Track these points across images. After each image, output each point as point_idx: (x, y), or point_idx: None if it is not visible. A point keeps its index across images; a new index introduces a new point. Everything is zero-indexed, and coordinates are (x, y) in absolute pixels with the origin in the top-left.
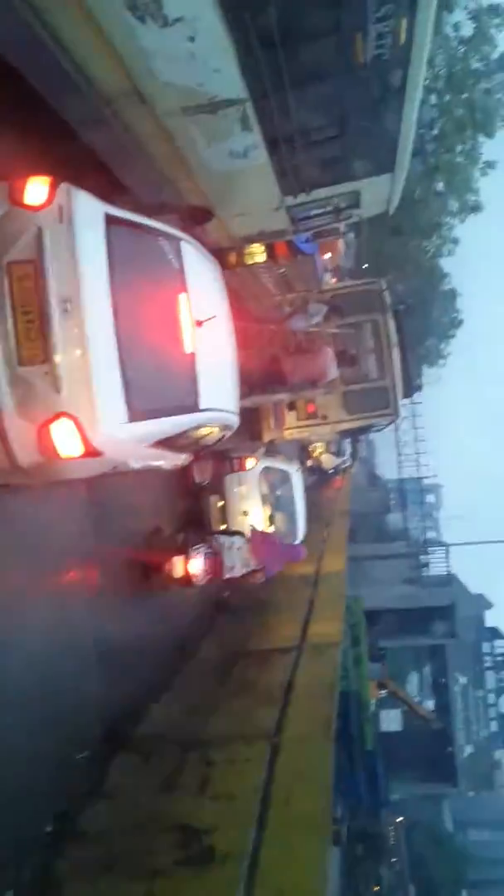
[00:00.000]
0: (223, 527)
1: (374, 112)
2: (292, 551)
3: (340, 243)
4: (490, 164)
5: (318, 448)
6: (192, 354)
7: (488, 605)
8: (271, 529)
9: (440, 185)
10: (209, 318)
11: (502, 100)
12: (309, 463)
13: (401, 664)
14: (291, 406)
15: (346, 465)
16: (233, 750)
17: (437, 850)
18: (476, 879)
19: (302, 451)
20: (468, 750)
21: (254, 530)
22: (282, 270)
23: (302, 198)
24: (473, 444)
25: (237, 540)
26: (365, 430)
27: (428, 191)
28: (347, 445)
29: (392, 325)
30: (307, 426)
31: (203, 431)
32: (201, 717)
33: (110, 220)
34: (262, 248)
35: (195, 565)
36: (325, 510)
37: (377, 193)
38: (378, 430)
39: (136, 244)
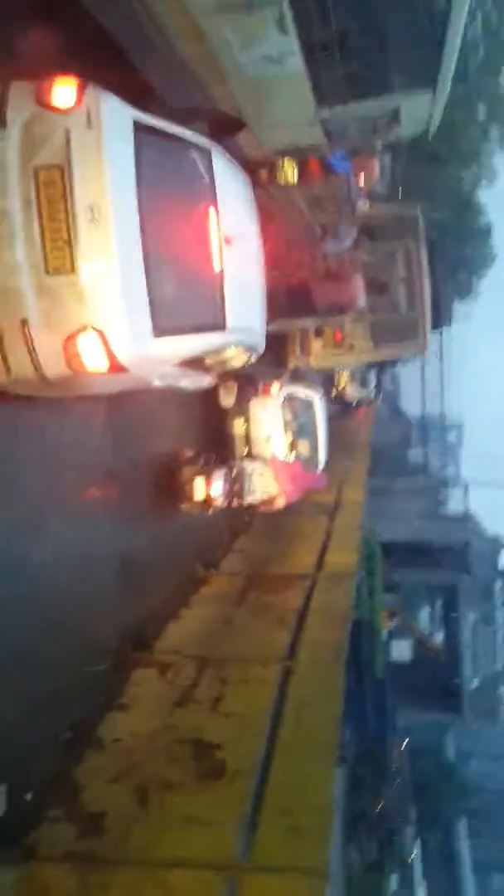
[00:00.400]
0: (245, 451)
1: (418, 19)
2: (313, 479)
3: (376, 166)
4: None
5: (344, 378)
6: (221, 272)
7: (502, 546)
8: (293, 456)
9: (482, 113)
10: (238, 234)
11: None
12: (334, 392)
13: (413, 597)
14: (318, 333)
15: (371, 396)
16: (247, 670)
17: (440, 777)
18: (475, 808)
19: (327, 380)
20: (475, 683)
21: (274, 455)
22: (314, 190)
23: (338, 111)
24: (499, 385)
25: (259, 465)
26: (392, 361)
27: (469, 117)
28: (373, 377)
29: (425, 254)
30: (333, 354)
31: (229, 353)
32: (218, 636)
33: (139, 127)
34: (295, 164)
35: (216, 487)
36: (348, 440)
37: (417, 110)
38: (406, 363)
39: (166, 153)
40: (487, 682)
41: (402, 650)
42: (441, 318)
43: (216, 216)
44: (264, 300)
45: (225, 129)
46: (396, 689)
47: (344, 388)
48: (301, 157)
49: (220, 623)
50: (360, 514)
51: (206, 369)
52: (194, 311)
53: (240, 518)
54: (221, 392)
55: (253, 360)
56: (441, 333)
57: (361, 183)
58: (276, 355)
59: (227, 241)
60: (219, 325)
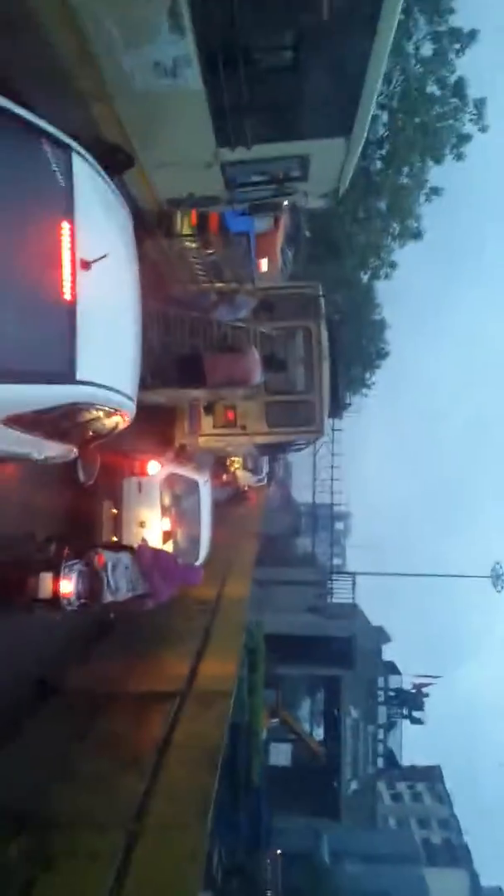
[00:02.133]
0: (114, 539)
1: (337, 49)
2: (188, 573)
3: (278, 247)
4: (436, 191)
5: (236, 463)
6: (72, 304)
7: (387, 639)
8: (169, 546)
9: (383, 206)
10: (99, 259)
11: (454, 126)
12: (224, 477)
13: (294, 691)
14: (209, 410)
15: (262, 483)
16: (77, 839)
17: (313, 883)
18: None
19: (218, 463)
20: (353, 786)
21: (143, 545)
22: (210, 253)
23: (241, 153)
24: (384, 478)
25: (125, 557)
26: (285, 447)
27: (371, 210)
28: (265, 463)
29: (326, 334)
30: (224, 435)
31: (87, 415)
32: (47, 783)
33: None
34: (192, 219)
35: (67, 585)
36: (236, 528)
37: (328, 163)
38: (298, 449)
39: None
40: (366, 785)
41: (280, 754)
42: (339, 404)
43: (70, 231)
44: (138, 355)
45: (110, 164)
46: (273, 794)
47: (235, 472)
48: (199, 207)
49: (53, 764)
50: (244, 613)
51: (56, 434)
52: (29, 352)
53: (100, 618)
54: (79, 465)
55: (122, 426)
56: (333, 424)
57: (263, 268)
58: (161, 431)
59: (84, 266)
60: (65, 375)
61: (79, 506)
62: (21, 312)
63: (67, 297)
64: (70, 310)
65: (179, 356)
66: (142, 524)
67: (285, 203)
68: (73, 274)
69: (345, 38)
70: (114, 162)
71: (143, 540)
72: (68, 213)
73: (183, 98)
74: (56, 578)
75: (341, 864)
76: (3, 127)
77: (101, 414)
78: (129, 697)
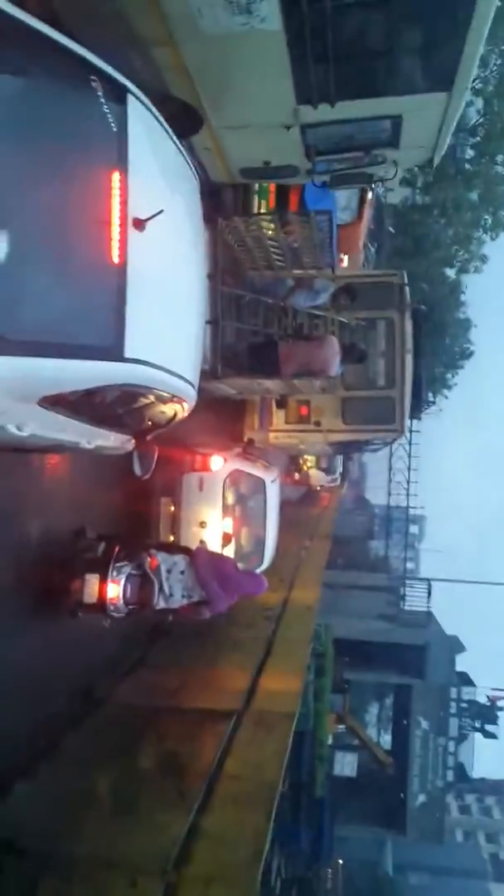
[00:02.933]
0: (171, 538)
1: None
2: (250, 582)
3: (360, 241)
4: None
5: (308, 461)
6: (122, 268)
7: (461, 649)
8: (231, 548)
9: (474, 196)
10: (155, 215)
11: None
12: (296, 476)
13: (362, 697)
14: (281, 405)
15: (335, 483)
16: (106, 887)
17: (375, 894)
18: None
19: (290, 461)
20: (421, 798)
21: (201, 548)
22: (290, 236)
23: (324, 112)
24: (462, 483)
25: (181, 560)
26: (361, 446)
27: (461, 200)
28: (339, 463)
29: (409, 326)
30: (297, 431)
31: (142, 400)
32: (79, 814)
33: None
34: (268, 193)
35: (114, 589)
36: (308, 529)
37: (424, 125)
38: (375, 450)
39: (42, 73)
40: (434, 798)
41: (346, 765)
42: (421, 402)
43: (121, 184)
44: (202, 337)
45: (176, 121)
46: (337, 803)
47: (308, 472)
48: (276, 179)
49: (87, 792)
50: (312, 623)
51: (107, 421)
52: (71, 323)
53: (154, 626)
54: (135, 457)
55: (181, 415)
56: (412, 424)
57: (344, 263)
58: (230, 425)
59: (138, 224)
60: (110, 351)
61: (134, 502)
62: (60, 275)
63: (116, 259)
64: (119, 274)
65: (253, 344)
66: (202, 524)
67: (372, 175)
68: (124, 233)
69: None
70: (181, 121)
71: (202, 542)
72: (121, 162)
73: (259, 42)
74: (103, 581)
75: (405, 876)
76: (43, 56)
77: (157, 400)
78: (178, 715)
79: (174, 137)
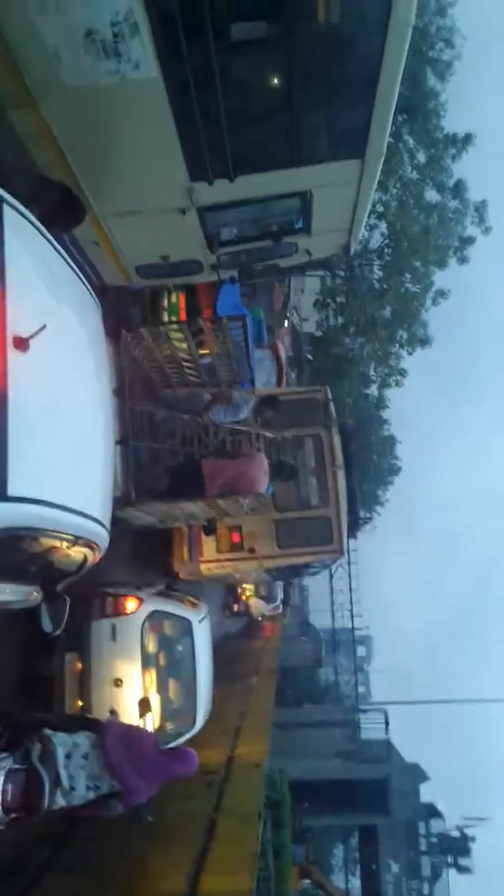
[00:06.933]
0: (79, 705)
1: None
2: (176, 763)
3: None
4: (442, 294)
5: (248, 590)
6: (1, 394)
7: (424, 778)
8: (152, 718)
9: (387, 313)
10: (38, 332)
11: (455, 230)
12: (236, 607)
13: (326, 840)
14: (209, 530)
15: (278, 611)
16: None
17: None
18: None
19: (228, 592)
20: None
21: (112, 721)
22: (205, 353)
23: (223, 190)
24: (402, 598)
25: (83, 740)
26: (300, 570)
27: (375, 318)
28: (279, 589)
29: (338, 441)
30: (230, 560)
31: (41, 546)
32: None
33: None
34: (178, 309)
35: None
36: (251, 666)
37: (336, 202)
38: (315, 573)
39: None
40: None
41: None
42: (357, 519)
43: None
44: (111, 470)
45: (53, 216)
46: None
47: (248, 601)
48: (180, 277)
49: None
50: (261, 785)
51: (10, 571)
52: None
53: (53, 828)
54: (43, 610)
55: (92, 560)
56: (353, 539)
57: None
58: (156, 559)
59: (19, 343)
60: None
61: (30, 661)
62: None
63: None
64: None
65: (172, 466)
66: (117, 682)
67: (285, 268)
68: (2, 355)
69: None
70: (58, 212)
71: (113, 713)
72: None
73: (135, 96)
74: None
75: None
76: None
77: (60, 544)
78: None
79: (57, 245)
